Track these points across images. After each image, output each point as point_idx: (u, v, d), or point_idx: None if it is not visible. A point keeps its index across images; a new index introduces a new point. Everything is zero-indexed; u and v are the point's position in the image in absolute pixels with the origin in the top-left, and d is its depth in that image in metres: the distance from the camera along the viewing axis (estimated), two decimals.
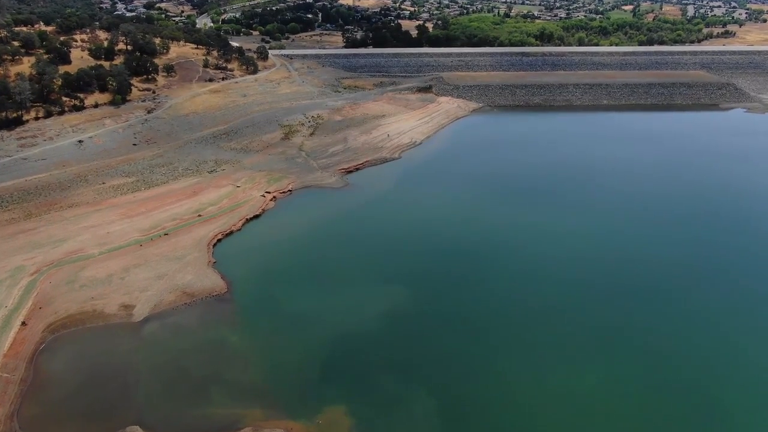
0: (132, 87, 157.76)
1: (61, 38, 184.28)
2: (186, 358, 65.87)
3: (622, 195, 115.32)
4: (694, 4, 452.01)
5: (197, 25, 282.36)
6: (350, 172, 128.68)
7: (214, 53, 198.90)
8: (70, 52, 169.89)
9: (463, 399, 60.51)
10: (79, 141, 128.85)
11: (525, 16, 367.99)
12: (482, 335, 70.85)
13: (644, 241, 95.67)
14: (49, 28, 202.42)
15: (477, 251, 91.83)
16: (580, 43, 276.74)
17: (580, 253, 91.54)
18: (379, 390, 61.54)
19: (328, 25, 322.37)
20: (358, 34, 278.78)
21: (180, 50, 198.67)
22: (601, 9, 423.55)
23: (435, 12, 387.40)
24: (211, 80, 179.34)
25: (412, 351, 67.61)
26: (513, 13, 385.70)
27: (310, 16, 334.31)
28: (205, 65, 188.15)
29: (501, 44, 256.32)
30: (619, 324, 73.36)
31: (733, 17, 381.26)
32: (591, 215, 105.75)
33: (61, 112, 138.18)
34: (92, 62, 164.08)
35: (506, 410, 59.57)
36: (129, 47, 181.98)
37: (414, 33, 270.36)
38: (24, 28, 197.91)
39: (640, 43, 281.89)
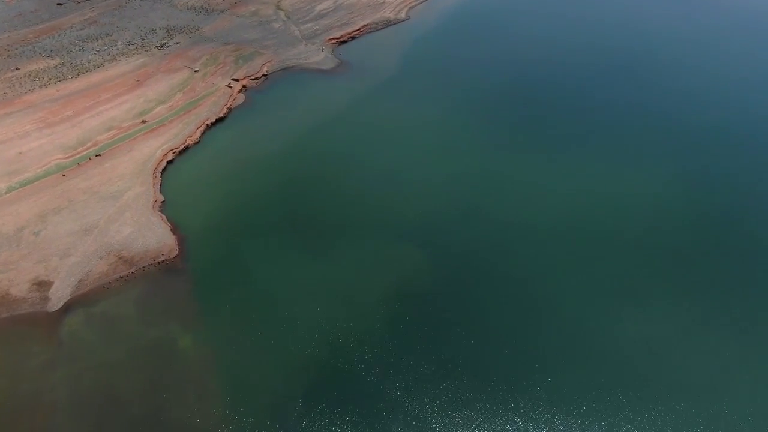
0: None
1: None
2: (119, 380, 47.51)
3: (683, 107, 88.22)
4: None
5: None
6: (344, 42, 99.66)
7: None
8: None
9: None
10: None
11: None
12: (534, 332, 51.91)
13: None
14: None
15: (513, 190, 69.21)
16: None
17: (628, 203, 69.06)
18: None
19: None
20: None
21: None
22: None
23: None
24: None
25: (438, 363, 48.74)
26: None
27: None
28: None
29: None
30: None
31: None
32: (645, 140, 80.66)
33: None
34: None
35: None
36: None
37: None
38: None
39: None
